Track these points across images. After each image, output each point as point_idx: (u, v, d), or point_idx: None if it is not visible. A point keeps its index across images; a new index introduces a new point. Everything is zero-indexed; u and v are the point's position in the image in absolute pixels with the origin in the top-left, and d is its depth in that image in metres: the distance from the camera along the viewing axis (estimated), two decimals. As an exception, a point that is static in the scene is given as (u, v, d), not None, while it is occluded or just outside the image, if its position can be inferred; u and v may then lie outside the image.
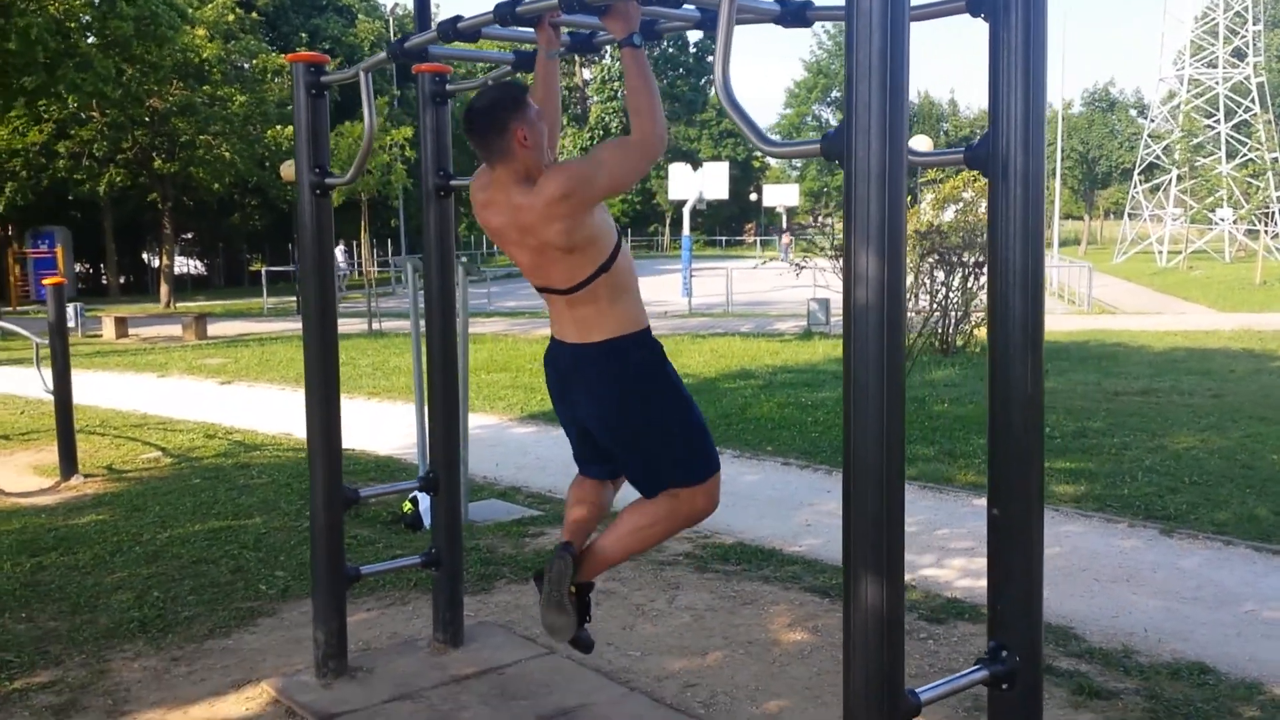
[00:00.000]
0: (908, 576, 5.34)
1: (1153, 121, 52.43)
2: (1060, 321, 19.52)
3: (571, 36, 3.39)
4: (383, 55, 3.47)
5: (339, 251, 32.66)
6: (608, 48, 3.36)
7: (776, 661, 4.31)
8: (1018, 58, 2.37)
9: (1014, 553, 2.53)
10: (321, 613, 4.07)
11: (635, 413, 3.07)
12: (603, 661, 4.25)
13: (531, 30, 3.14)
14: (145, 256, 47.98)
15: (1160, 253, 45.47)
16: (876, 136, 2.12)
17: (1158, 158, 50.26)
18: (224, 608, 5.03)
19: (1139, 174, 51.79)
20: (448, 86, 3.97)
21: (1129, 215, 52.19)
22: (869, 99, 2.11)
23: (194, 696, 4.04)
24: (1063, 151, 49.20)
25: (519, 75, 3.75)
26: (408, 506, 6.37)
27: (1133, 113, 67.15)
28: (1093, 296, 23.68)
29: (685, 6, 2.88)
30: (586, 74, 64.38)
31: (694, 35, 45.24)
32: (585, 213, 2.93)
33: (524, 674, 4.11)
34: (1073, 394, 10.79)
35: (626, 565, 5.54)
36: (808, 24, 2.79)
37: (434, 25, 3.26)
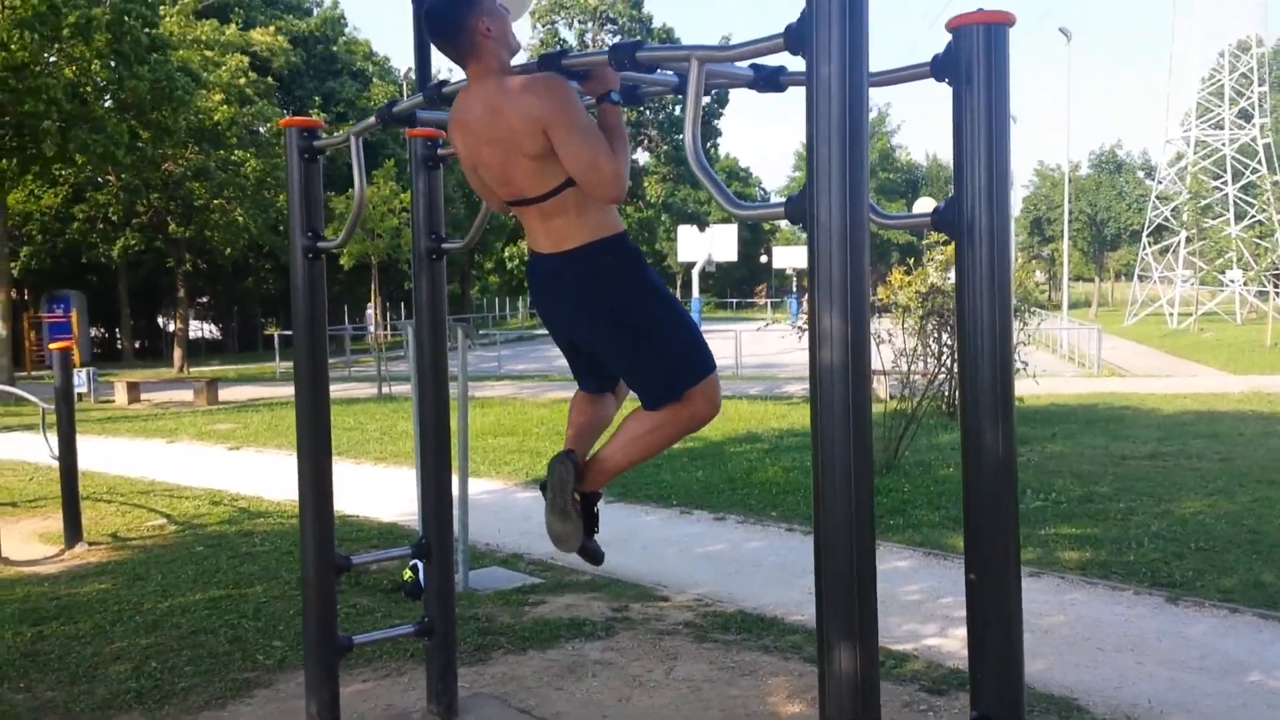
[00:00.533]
0: (910, 646, 5.32)
1: (1160, 183, 52.64)
2: (1069, 384, 19.45)
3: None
4: (371, 120, 3.52)
5: (369, 311, 32.99)
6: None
7: (772, 731, 4.25)
8: (981, 122, 2.39)
9: (992, 618, 2.50)
10: (314, 683, 4.04)
11: (620, 315, 3.02)
12: (596, 732, 4.20)
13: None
14: (160, 320, 48.36)
15: (1171, 315, 45.40)
16: (837, 199, 2.15)
17: (1166, 219, 50.39)
18: (220, 679, 4.99)
19: (1148, 236, 51.92)
20: (439, 151, 4.03)
21: (1139, 277, 52.21)
22: (829, 163, 2.15)
23: (181, 767, 4.00)
24: (1070, 214, 49.36)
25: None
26: (408, 574, 6.32)
27: (1140, 174, 67.47)
28: (1102, 359, 23.59)
29: (662, 73, 2.93)
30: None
31: (702, 99, 45.76)
32: (541, 137, 2.87)
33: (514, 743, 4.06)
34: (1080, 458, 10.71)
35: (624, 635, 5.50)
36: (781, 89, 2.83)
37: (412, 94, 3.32)
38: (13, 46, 19.69)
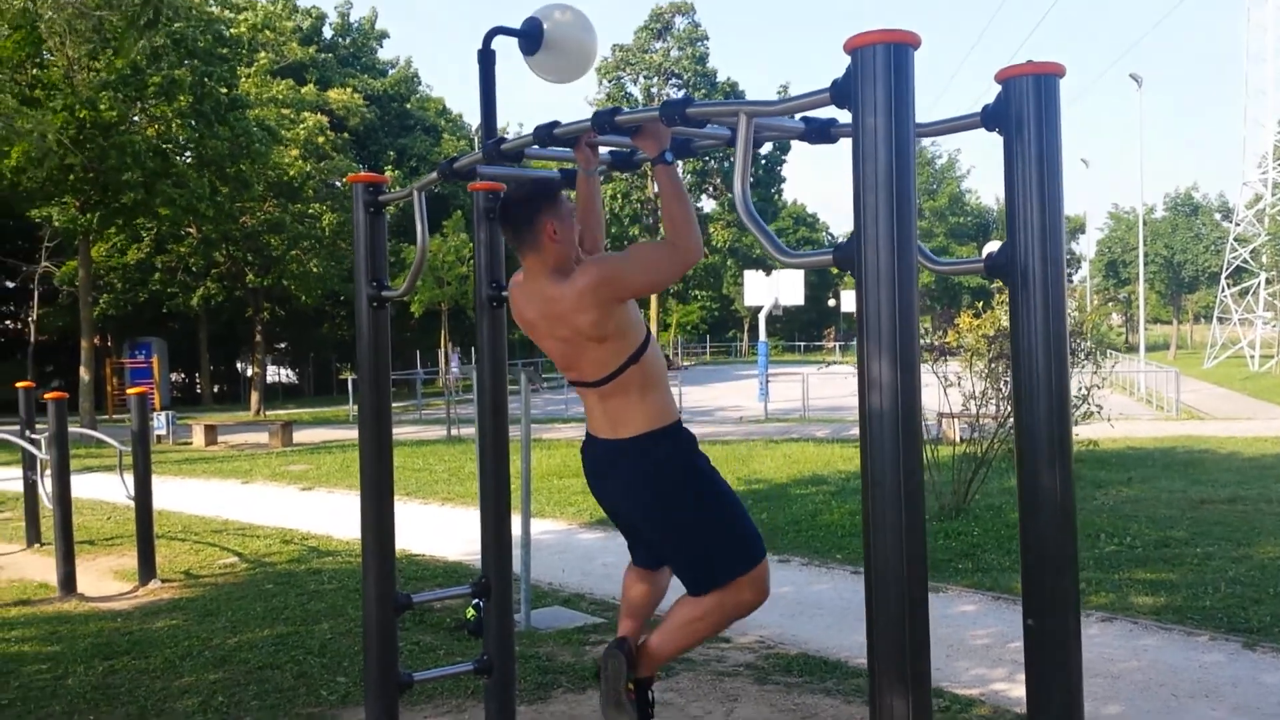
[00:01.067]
0: (976, 690, 5.25)
1: (1238, 225, 51.53)
2: (1146, 428, 19.05)
3: (613, 155, 3.52)
4: (433, 175, 3.63)
5: (454, 356, 33.48)
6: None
7: (831, 776, 4.21)
8: (1032, 170, 2.40)
9: (1051, 665, 2.48)
10: (375, 719, 4.09)
11: (670, 509, 3.09)
12: (653, 774, 4.19)
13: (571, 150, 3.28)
14: (239, 365, 49.49)
15: (1252, 357, 44.28)
16: (884, 247, 2.18)
17: (1245, 261, 49.29)
18: (285, 714, 5.09)
19: (1226, 278, 50.79)
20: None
21: (1218, 319, 51.06)
22: (876, 211, 2.18)
23: (246, 802, 4.08)
24: (1146, 256, 48.51)
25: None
26: (470, 613, 6.38)
27: (1217, 216, 66.14)
28: (1181, 402, 23.08)
29: (712, 127, 2.99)
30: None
31: (764, 148, 46.04)
32: (615, 306, 3.00)
33: (572, 785, 4.07)
34: (1156, 502, 10.49)
35: (684, 675, 5.49)
36: (833, 140, 2.88)
37: (478, 146, 3.42)
38: (101, 106, 20.48)
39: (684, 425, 3.20)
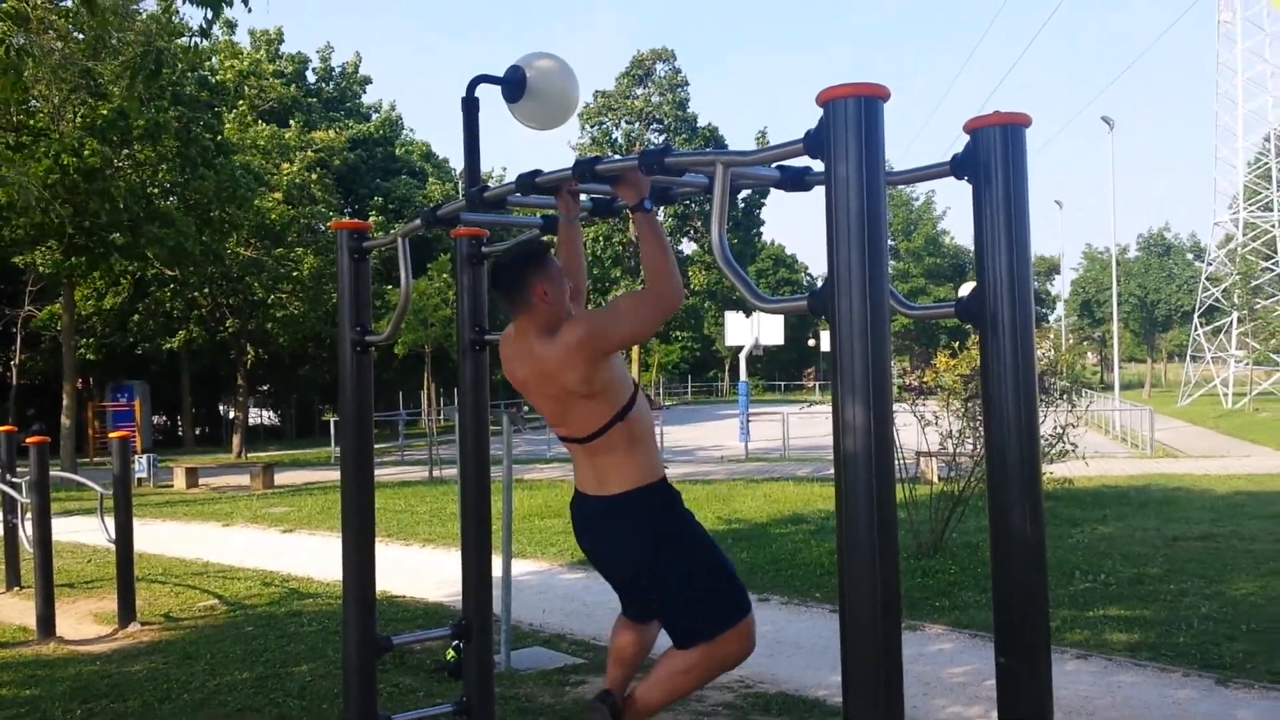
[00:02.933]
0: (953, 729, 5.28)
1: (1210, 265, 52.18)
2: (1121, 465, 19.19)
3: (594, 202, 3.60)
4: (417, 222, 3.70)
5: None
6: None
7: (811, 815, 4.23)
8: (1000, 217, 2.48)
9: (1023, 702, 2.53)
10: (354, 761, 4.10)
11: (656, 565, 3.15)
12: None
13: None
14: (221, 408, 49.24)
15: (1225, 395, 44.68)
16: (858, 294, 2.26)
17: (1217, 300, 49.85)
18: (265, 757, 5.07)
19: (1199, 316, 51.35)
20: (484, 249, 4.20)
21: (1191, 358, 51.56)
22: (849, 259, 2.26)
23: (227, 846, 4.06)
24: (1120, 296, 49.02)
25: (546, 237, 3.96)
26: (451, 654, 6.38)
27: (1189, 256, 66.96)
28: (1155, 439, 23.27)
29: (690, 175, 3.07)
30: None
31: (744, 192, 46.45)
32: (602, 360, 3.08)
33: (554, 826, 4.08)
34: (1131, 539, 10.57)
35: (664, 716, 5.50)
36: (808, 188, 2.97)
37: (461, 194, 3.49)
38: (85, 153, 20.54)
39: (669, 482, 3.26)
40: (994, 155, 2.48)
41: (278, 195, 30.16)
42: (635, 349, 49.72)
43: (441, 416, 26.60)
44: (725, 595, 3.19)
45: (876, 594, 2.27)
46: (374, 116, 44.48)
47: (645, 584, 3.21)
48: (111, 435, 9.39)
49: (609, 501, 3.17)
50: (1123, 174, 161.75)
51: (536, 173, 3.15)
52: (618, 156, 2.98)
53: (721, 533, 11.80)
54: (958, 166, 2.57)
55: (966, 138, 2.56)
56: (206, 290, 32.48)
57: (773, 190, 3.11)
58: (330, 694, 6.04)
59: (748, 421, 24.92)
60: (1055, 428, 10.95)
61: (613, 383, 3.13)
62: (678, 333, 66.52)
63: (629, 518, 3.15)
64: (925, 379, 11.18)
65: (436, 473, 21.43)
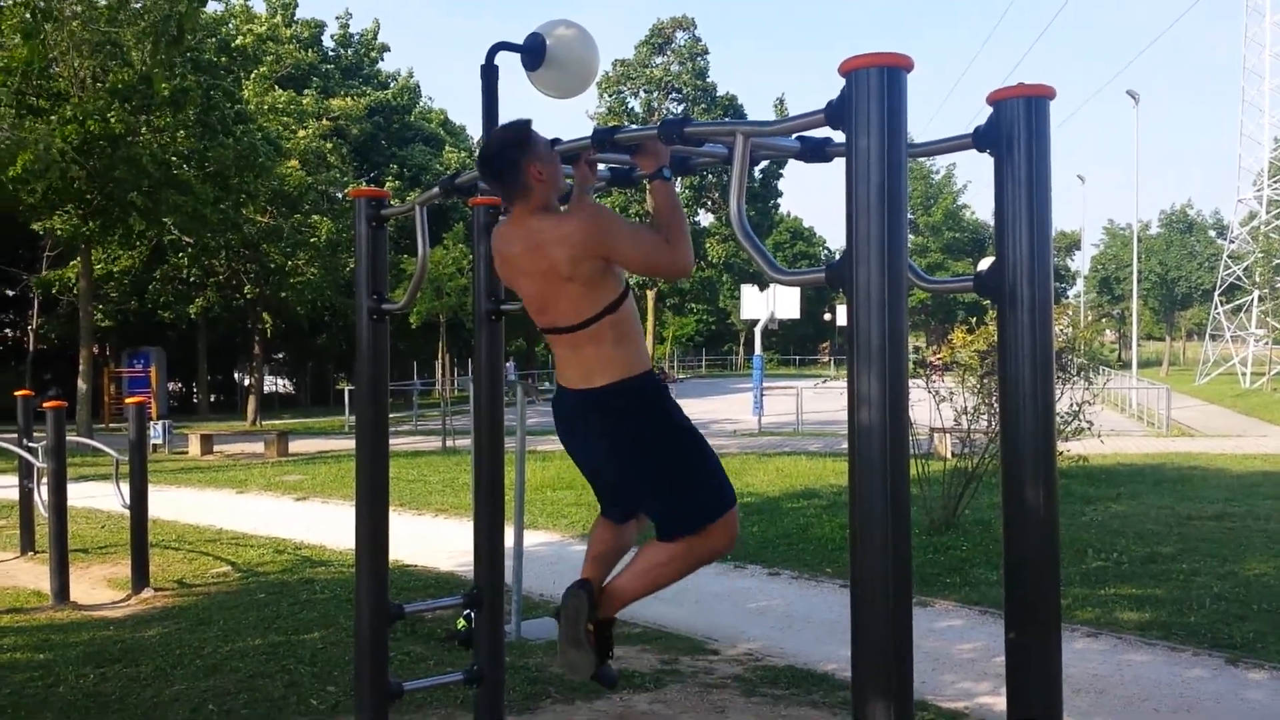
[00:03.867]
0: (962, 704, 5.29)
1: (1233, 242, 51.73)
2: (1137, 444, 19.11)
3: (612, 171, 3.56)
4: (435, 190, 3.67)
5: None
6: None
7: (819, 789, 4.24)
8: (1022, 191, 2.45)
9: (1032, 678, 2.51)
10: (365, 728, 4.12)
11: (640, 456, 3.09)
12: (642, 784, 4.22)
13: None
14: (236, 375, 49.48)
15: (1244, 374, 44.42)
16: (876, 267, 2.23)
17: (1239, 278, 49.47)
18: (276, 722, 5.11)
19: (1220, 295, 50.98)
20: (500, 218, 4.17)
21: (1211, 336, 51.22)
22: (868, 231, 2.23)
23: (238, 809, 4.10)
24: (1140, 273, 48.70)
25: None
26: (462, 623, 6.41)
27: (1212, 233, 66.42)
28: (1171, 418, 23.15)
29: (709, 145, 3.04)
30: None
31: (762, 163, 46.20)
32: (596, 259, 3.00)
33: (562, 795, 4.09)
34: (1144, 518, 10.53)
35: (673, 688, 5.53)
36: (828, 159, 2.93)
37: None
38: (110, 117, 20.56)
39: (655, 374, 3.19)
40: (1017, 128, 2.44)
41: (294, 163, 30.14)
42: (650, 320, 49.66)
43: (455, 387, 26.63)
44: (710, 487, 3.11)
45: (888, 569, 2.25)
46: (392, 84, 44.35)
47: (629, 475, 3.14)
48: (128, 401, 9.43)
49: (593, 393, 3.09)
50: (1146, 149, 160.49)
51: (555, 141, 3.12)
52: (636, 126, 2.94)
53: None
54: (980, 139, 2.53)
55: (989, 111, 2.52)
56: (224, 256, 32.52)
57: (791, 162, 3.06)
58: (342, 661, 6.07)
59: (762, 395, 24.89)
60: (1071, 405, 10.88)
61: (604, 274, 3.04)
62: (692, 305, 66.45)
63: (613, 409, 3.08)
64: (942, 354, 11.12)
65: (450, 443, 21.49)
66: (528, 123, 3.18)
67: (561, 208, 3.23)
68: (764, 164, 51.88)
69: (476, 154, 3.23)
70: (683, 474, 3.10)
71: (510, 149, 3.08)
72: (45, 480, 8.65)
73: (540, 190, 3.07)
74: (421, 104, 46.11)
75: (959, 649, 6.31)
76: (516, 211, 3.13)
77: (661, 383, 3.20)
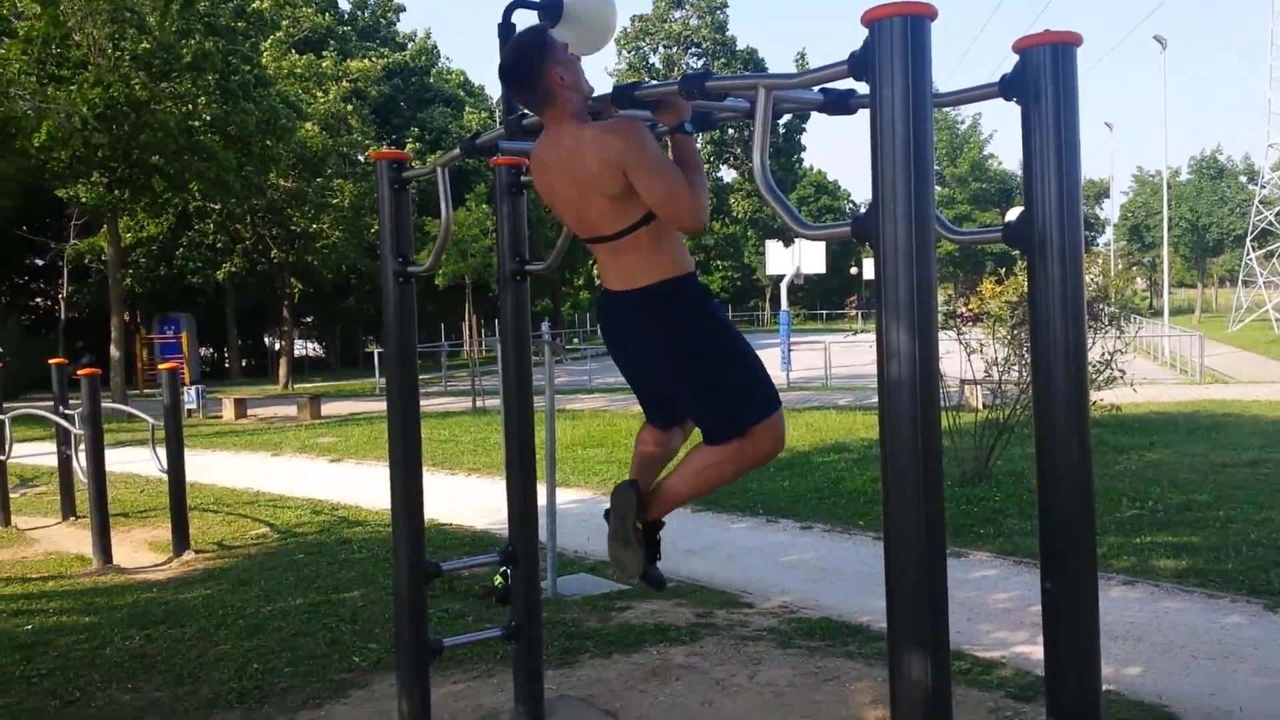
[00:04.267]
0: (998, 653, 5.31)
1: (1264, 188, 50.92)
2: (1170, 392, 18.96)
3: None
4: (456, 151, 3.67)
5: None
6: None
7: (855, 739, 4.28)
8: (1050, 139, 2.43)
9: (1068, 627, 2.53)
10: (405, 684, 4.19)
11: (684, 356, 3.08)
12: (679, 736, 4.28)
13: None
14: (266, 340, 49.89)
15: (1277, 320, 43.89)
16: (903, 218, 2.22)
17: (1270, 224, 48.74)
18: (319, 679, 5.19)
19: (1252, 241, 50.28)
20: (522, 178, 4.17)
21: (1243, 283, 50.59)
22: (894, 183, 2.22)
23: (284, 765, 4.19)
24: (1171, 220, 48.03)
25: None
26: (498, 580, 6.49)
27: (1243, 179, 65.37)
28: (1204, 365, 22.94)
29: (731, 99, 3.02)
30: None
31: (784, 117, 45.79)
32: (623, 176, 2.96)
33: (600, 747, 4.16)
34: (1179, 466, 10.48)
35: (709, 640, 5.57)
36: (851, 112, 2.90)
37: (499, 123, 3.46)
38: (134, 83, 20.62)
39: (697, 276, 3.18)
40: (1044, 75, 2.42)
41: (314, 126, 30.14)
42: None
43: (484, 347, 26.75)
44: (756, 387, 3.11)
45: (921, 520, 2.26)
46: (409, 45, 44.16)
47: (674, 376, 3.13)
48: (160, 367, 9.54)
49: (638, 294, 3.09)
50: (1175, 95, 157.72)
51: (577, 98, 3.11)
52: (657, 81, 2.90)
53: (764, 461, 11.83)
54: (1006, 87, 2.51)
55: (1015, 60, 2.49)
56: (249, 222, 32.68)
57: (814, 116, 3.03)
58: (382, 619, 6.16)
59: (789, 351, 24.84)
60: (1103, 354, 10.81)
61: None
62: (718, 261, 66.18)
63: (657, 309, 3.07)
64: (971, 306, 11.06)
65: (480, 403, 21.61)
66: (543, 28, 3.17)
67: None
68: (786, 118, 51.43)
69: (497, 67, 3.19)
70: (727, 374, 3.08)
71: (531, 56, 3.04)
72: (83, 447, 8.77)
73: (565, 95, 3.04)
74: (440, 65, 45.92)
75: (994, 599, 6.33)
76: (549, 121, 3.10)
77: (704, 285, 3.18)
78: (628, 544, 3.24)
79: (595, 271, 49.11)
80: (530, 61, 3.04)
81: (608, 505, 3.39)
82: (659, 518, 3.32)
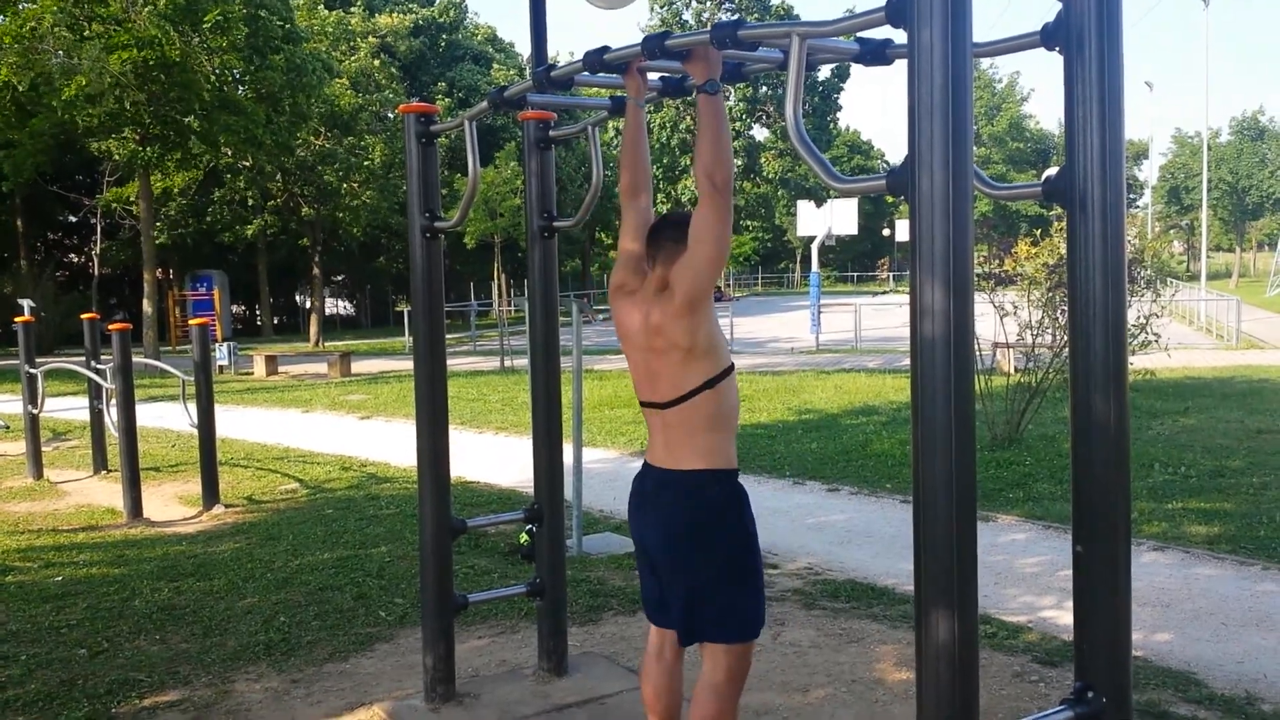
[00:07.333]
0: (1025, 618, 5.27)
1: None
2: (1205, 357, 18.73)
3: (664, 81, 3.48)
4: (484, 104, 3.62)
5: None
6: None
7: (879, 701, 4.26)
8: (1093, 90, 2.34)
9: (1099, 591, 2.48)
10: (430, 639, 4.20)
11: (700, 548, 2.96)
12: (703, 694, 4.26)
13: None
14: (298, 297, 50.20)
15: (1319, 285, 43.28)
16: (939, 171, 2.14)
17: (1313, 186, 47.92)
18: (345, 633, 5.23)
19: (1293, 203, 49.47)
20: (551, 132, 4.11)
21: (1284, 246, 49.84)
22: (931, 135, 2.14)
23: (310, 718, 4.22)
24: (1210, 182, 47.25)
25: (612, 122, 3.86)
26: (524, 538, 6.49)
27: (1285, 140, 64.25)
28: (1241, 331, 22.63)
29: (764, 50, 2.94)
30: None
31: (821, 74, 45.22)
32: (706, 304, 2.89)
33: (624, 704, 4.16)
34: (1213, 431, 10.35)
35: (734, 600, 5.55)
36: (888, 62, 2.82)
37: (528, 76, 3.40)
38: (165, 44, 20.65)
39: (738, 478, 3.07)
40: (1088, 23, 2.33)
41: (344, 81, 30.10)
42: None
43: (512, 307, 26.80)
44: (755, 607, 3.02)
45: (951, 482, 2.21)
46: (436, 1, 43.92)
47: (683, 568, 2.99)
48: (192, 323, 9.58)
49: (675, 474, 2.99)
50: (1217, 55, 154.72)
51: (605, 49, 3.03)
52: (687, 32, 2.81)
53: (792, 424, 11.79)
54: (1048, 36, 2.42)
55: (1057, 8, 2.41)
56: (280, 179, 32.77)
57: (852, 76, 2.94)
58: (408, 574, 6.19)
59: (819, 313, 24.71)
60: (1139, 318, 10.66)
61: (715, 344, 2.95)
62: (748, 223, 65.75)
63: (688, 492, 2.96)
64: (1005, 267, 10.92)
65: (508, 363, 21.65)
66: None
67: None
68: (824, 76, 50.81)
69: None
70: (740, 582, 2.99)
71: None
72: (114, 401, 8.84)
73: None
74: (468, 20, 45.67)
75: (1022, 563, 6.27)
76: (657, 279, 3.02)
77: (743, 487, 3.07)
78: None
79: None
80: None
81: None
82: None
